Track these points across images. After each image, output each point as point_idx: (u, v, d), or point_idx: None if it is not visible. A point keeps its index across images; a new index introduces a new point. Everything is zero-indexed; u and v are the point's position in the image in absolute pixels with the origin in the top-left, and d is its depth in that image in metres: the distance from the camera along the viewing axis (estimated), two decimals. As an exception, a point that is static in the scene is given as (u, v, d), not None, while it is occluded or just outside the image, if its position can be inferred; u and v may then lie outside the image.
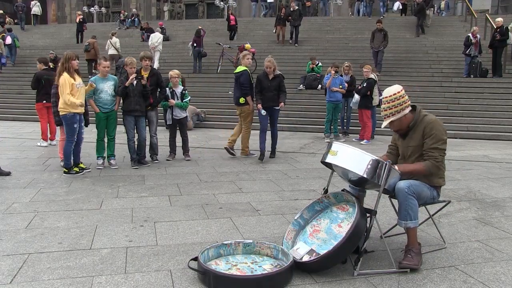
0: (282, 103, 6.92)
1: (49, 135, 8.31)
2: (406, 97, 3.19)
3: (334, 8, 24.94)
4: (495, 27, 12.64)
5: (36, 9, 23.13)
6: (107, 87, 6.21)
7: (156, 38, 15.37)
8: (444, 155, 3.18)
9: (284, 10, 17.18)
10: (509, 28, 13.00)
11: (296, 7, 17.07)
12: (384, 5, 22.72)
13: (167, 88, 6.91)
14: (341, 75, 9.59)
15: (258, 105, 6.89)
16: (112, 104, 6.28)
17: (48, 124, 8.15)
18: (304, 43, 17.07)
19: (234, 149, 7.36)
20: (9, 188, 5.13)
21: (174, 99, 6.88)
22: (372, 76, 8.95)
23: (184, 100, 6.99)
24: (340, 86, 9.12)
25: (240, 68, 7.10)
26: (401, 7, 21.74)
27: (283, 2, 24.86)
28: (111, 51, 14.65)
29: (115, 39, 15.07)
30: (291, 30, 16.88)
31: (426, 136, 3.15)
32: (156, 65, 14.78)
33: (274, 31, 17.67)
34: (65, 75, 5.61)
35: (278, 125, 7.39)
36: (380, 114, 3.54)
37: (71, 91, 5.61)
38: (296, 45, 16.67)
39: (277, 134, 7.31)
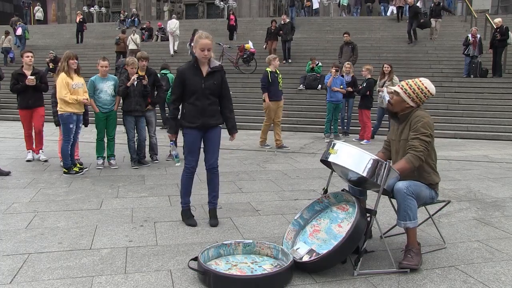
0: (234, 135, 4.02)
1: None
2: (424, 98, 3.20)
3: (320, 7, 24.90)
4: (495, 27, 12.64)
5: (39, 14, 25.16)
6: (106, 87, 6.22)
7: (173, 24, 17.17)
8: (426, 147, 3.07)
9: (274, 24, 15.31)
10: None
11: (288, 20, 15.45)
12: (385, 9, 22.77)
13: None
14: (342, 75, 9.61)
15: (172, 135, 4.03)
16: (111, 104, 6.29)
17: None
18: (304, 42, 17.05)
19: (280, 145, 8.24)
20: (9, 188, 5.12)
21: None
22: (396, 78, 9.01)
23: None
24: (341, 86, 9.11)
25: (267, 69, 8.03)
26: (395, 11, 20.20)
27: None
28: (131, 46, 16.00)
29: (136, 36, 16.51)
30: (282, 46, 15.09)
31: (410, 130, 3.17)
32: (175, 48, 17.05)
33: (264, 46, 15.71)
34: (63, 75, 5.66)
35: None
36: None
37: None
38: (289, 61, 15.08)
39: (218, 178, 3.98)
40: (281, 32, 14.94)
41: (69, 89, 5.66)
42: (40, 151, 6.78)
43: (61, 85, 5.64)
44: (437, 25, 16.09)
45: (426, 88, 3.19)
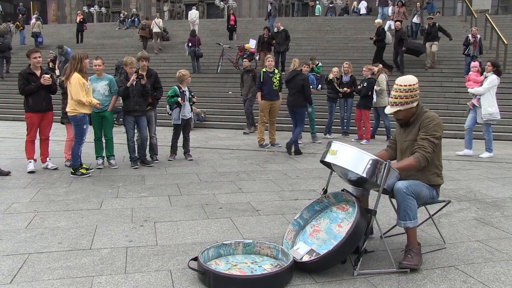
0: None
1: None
2: (418, 90, 3.24)
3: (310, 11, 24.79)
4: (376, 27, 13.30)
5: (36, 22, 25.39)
6: (100, 87, 6.17)
7: (194, 14, 18.98)
8: (434, 149, 3.11)
9: (266, 31, 13.63)
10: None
11: (282, 28, 13.75)
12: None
13: (175, 87, 6.91)
14: (341, 75, 9.61)
15: None
16: (104, 104, 6.19)
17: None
18: (304, 42, 17.05)
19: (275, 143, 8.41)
20: (9, 188, 5.12)
21: (182, 100, 6.86)
22: (383, 76, 8.93)
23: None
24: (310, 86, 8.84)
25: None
26: (393, 27, 16.00)
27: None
28: (155, 30, 17.38)
29: (158, 20, 17.88)
30: (276, 57, 12.70)
31: (421, 130, 3.18)
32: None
33: (257, 57, 14.03)
34: (77, 75, 5.54)
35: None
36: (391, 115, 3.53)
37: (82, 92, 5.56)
38: (283, 73, 13.42)
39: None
40: (274, 41, 13.48)
41: (84, 89, 5.57)
42: (47, 159, 6.19)
43: (78, 86, 5.50)
44: (433, 49, 13.63)
45: (410, 85, 3.17)
